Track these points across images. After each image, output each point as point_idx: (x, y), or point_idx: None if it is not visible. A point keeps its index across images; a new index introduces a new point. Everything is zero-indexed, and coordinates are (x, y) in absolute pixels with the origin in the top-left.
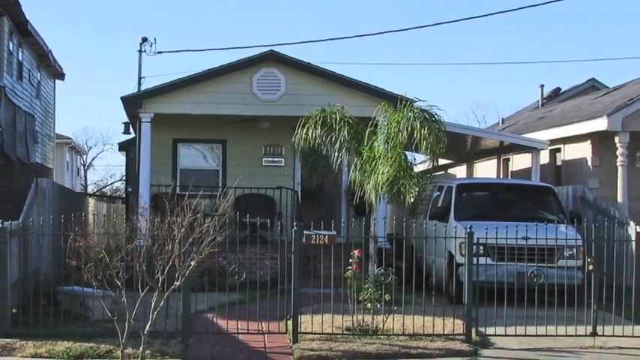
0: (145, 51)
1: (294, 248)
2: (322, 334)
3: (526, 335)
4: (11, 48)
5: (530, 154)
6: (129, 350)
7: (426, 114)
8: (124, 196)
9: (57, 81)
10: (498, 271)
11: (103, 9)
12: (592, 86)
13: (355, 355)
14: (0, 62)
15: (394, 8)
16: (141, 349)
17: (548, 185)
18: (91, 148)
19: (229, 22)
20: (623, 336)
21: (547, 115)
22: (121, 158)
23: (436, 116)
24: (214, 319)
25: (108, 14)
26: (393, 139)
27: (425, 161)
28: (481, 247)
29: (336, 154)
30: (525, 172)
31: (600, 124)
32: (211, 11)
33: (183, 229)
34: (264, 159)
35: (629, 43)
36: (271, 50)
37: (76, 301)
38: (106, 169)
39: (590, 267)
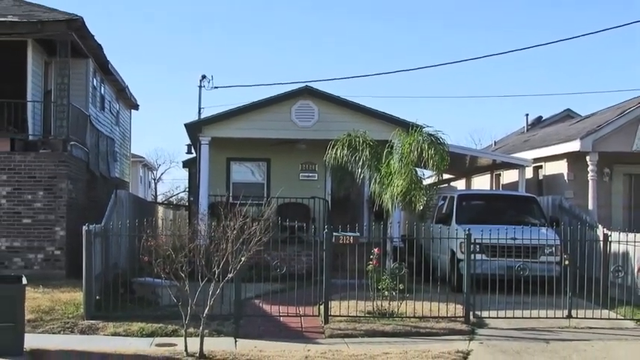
0: (204, 86)
1: (325, 247)
2: (348, 316)
3: (514, 317)
4: (95, 84)
5: (518, 170)
6: (191, 330)
7: (432, 137)
8: (187, 204)
9: (132, 111)
10: (491, 266)
11: (171, 50)
12: (567, 115)
13: (375, 333)
14: (86, 95)
15: (407, 50)
16: (201, 328)
17: (532, 195)
18: (160, 165)
19: (272, 61)
20: (593, 318)
21: (531, 139)
22: (184, 173)
23: (441, 139)
24: (260, 305)
25: (175, 55)
26: (405, 158)
27: (432, 176)
28: (477, 246)
29: (360, 170)
30: (513, 185)
31: (574, 146)
32: (258, 51)
33: (235, 231)
34: (300, 174)
35: (598, 79)
36: (307, 86)
37: (148, 290)
38: (172, 182)
39: (566, 262)
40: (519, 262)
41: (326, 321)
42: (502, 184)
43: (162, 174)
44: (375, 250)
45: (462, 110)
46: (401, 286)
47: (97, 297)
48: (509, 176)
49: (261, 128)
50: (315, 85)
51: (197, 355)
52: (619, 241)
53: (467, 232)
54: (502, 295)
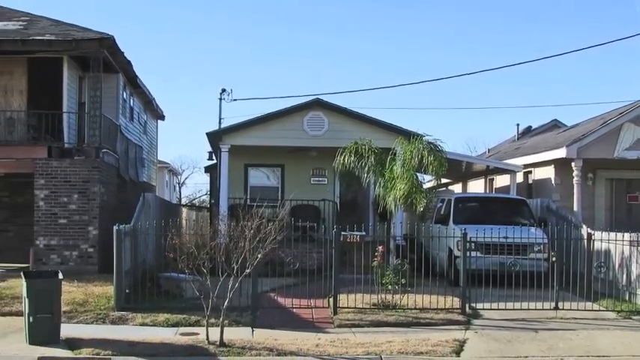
0: (223, 99)
1: (334, 245)
2: (355, 308)
3: (506, 309)
4: (125, 96)
5: (509, 175)
6: (212, 320)
7: (431, 145)
8: (208, 206)
9: (159, 121)
10: (485, 262)
11: (194, 66)
12: (555, 125)
13: (379, 323)
14: (117, 107)
15: (408, 65)
16: (221, 319)
17: (522, 198)
18: (184, 170)
19: (286, 75)
20: (577, 310)
21: (521, 146)
22: (206, 178)
23: (439, 147)
24: (275, 297)
25: (198, 70)
26: (407, 164)
27: (431, 180)
28: (473, 244)
29: (365, 175)
30: (505, 189)
31: (561, 153)
32: (273, 67)
33: (252, 231)
34: (312, 179)
35: (583, 92)
36: (317, 98)
37: (173, 284)
38: (195, 186)
39: (554, 258)
40: (511, 259)
41: (335, 312)
42: (495, 188)
43: (186, 178)
44: (380, 247)
45: (459, 120)
46: (403, 281)
47: (127, 290)
48: (501, 180)
49: (276, 137)
50: (324, 98)
51: (218, 343)
52: (601, 240)
53: (463, 232)
54: (495, 289)
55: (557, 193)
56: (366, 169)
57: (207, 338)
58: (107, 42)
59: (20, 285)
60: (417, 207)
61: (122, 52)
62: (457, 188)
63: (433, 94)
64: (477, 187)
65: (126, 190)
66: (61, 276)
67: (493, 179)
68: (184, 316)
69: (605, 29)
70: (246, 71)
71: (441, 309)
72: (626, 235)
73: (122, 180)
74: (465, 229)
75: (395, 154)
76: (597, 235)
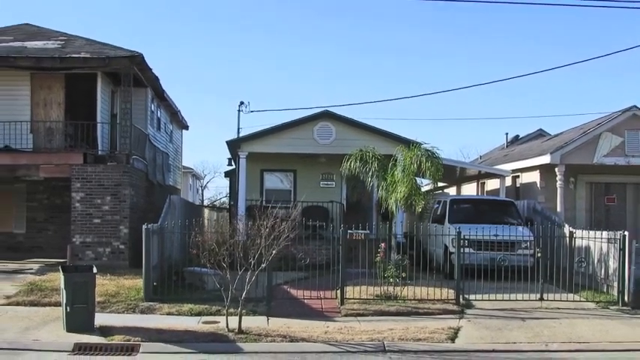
0: (242, 110)
1: (341, 242)
2: (360, 299)
3: (496, 300)
4: (153, 108)
5: (499, 179)
6: (231, 310)
7: (429, 152)
8: (228, 207)
9: (183, 130)
10: (477, 257)
11: (216, 80)
12: (540, 134)
13: (382, 313)
14: (145, 118)
15: (409, 79)
16: (239, 309)
17: (511, 200)
18: (206, 175)
19: (300, 88)
20: (560, 300)
21: (510, 153)
22: (225, 182)
23: (436, 154)
24: (288, 289)
25: (219, 84)
26: (407, 169)
27: (429, 184)
28: (466, 241)
29: (369, 179)
30: (495, 191)
31: (545, 159)
32: (288, 81)
33: (267, 229)
34: (321, 182)
35: (566, 104)
36: (326, 110)
37: (195, 278)
38: (216, 189)
39: (539, 254)
40: (500, 255)
41: (342, 303)
42: (486, 191)
43: (207, 182)
44: (382, 244)
45: (454, 129)
46: (403, 275)
47: (154, 283)
48: (492, 184)
49: (289, 145)
50: (333, 109)
51: (236, 330)
52: (582, 238)
53: (457, 230)
54: (486, 282)
55: (542, 196)
56: (370, 173)
57: (227, 326)
58: (137, 59)
59: (59, 278)
60: (416, 208)
61: (150, 69)
62: (452, 191)
63: (432, 106)
64: (470, 190)
65: (154, 192)
66: (95, 270)
67: (484, 183)
68: (206, 306)
69: (591, 44)
70: (263, 85)
71: (438, 300)
72: (604, 234)
73: (150, 183)
74: (459, 227)
75: (396, 161)
76: (578, 233)
